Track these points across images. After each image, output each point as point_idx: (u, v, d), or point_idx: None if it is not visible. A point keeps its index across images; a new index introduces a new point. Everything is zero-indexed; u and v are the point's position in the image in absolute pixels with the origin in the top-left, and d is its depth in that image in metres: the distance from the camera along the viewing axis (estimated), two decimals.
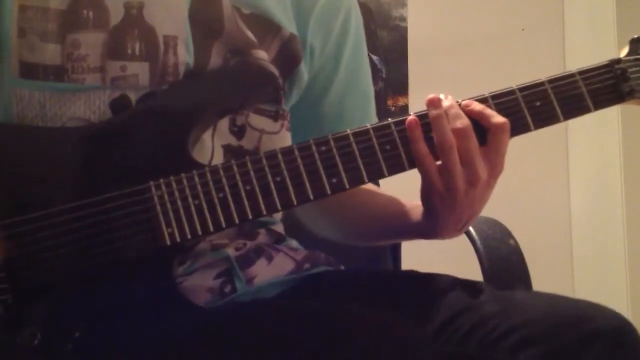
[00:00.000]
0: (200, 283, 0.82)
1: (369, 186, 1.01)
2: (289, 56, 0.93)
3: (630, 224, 2.23)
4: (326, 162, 0.77)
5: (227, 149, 0.86)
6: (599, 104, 0.83)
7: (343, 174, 0.77)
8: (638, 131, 2.20)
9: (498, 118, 0.78)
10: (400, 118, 0.79)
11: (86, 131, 0.79)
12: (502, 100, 0.81)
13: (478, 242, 1.08)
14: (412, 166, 0.79)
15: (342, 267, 0.98)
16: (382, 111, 2.14)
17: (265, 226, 0.92)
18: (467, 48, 2.37)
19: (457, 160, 0.77)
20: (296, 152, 0.77)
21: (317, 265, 0.93)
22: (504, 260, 1.05)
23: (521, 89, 0.82)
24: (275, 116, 0.91)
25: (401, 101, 2.33)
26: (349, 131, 0.78)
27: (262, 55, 0.88)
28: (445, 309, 0.78)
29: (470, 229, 1.08)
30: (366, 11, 2.29)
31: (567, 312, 0.74)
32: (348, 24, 1.01)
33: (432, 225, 0.83)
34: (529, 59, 2.32)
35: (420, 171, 0.78)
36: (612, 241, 2.26)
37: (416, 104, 2.31)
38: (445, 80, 2.27)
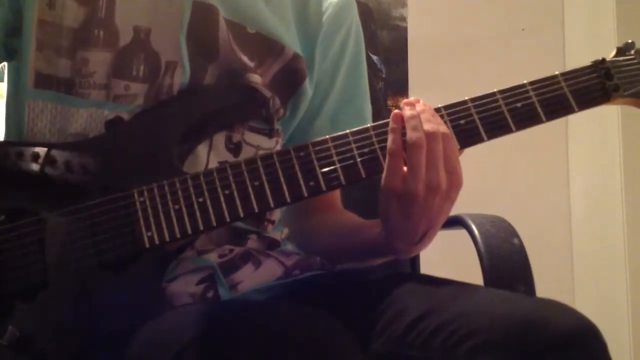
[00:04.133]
0: (183, 288, 0.83)
1: (338, 205, 1.03)
2: (291, 76, 0.94)
3: (630, 224, 2.22)
4: (304, 166, 0.78)
5: None
6: (583, 104, 0.84)
7: (320, 177, 0.78)
8: (638, 131, 2.20)
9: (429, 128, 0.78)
10: (378, 122, 0.81)
11: (81, 146, 0.81)
12: (482, 102, 0.82)
13: (479, 240, 1.07)
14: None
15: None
16: (382, 111, 2.14)
17: (258, 231, 0.92)
18: (467, 48, 2.37)
19: (424, 161, 0.77)
20: (275, 158, 0.78)
21: (309, 270, 0.93)
22: (505, 260, 1.05)
23: (502, 92, 0.83)
24: (270, 133, 0.93)
25: (401, 101, 2.32)
26: (327, 136, 0.79)
27: (256, 79, 0.90)
28: (410, 311, 0.78)
29: (472, 225, 1.08)
30: (366, 11, 2.29)
31: (527, 315, 0.72)
32: (347, 42, 1.03)
33: (387, 236, 0.83)
34: (529, 59, 2.32)
35: (388, 165, 0.78)
36: (612, 241, 2.26)
37: None
38: (445, 80, 2.27)
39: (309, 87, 0.97)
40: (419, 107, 0.80)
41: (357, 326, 0.76)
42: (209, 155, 0.87)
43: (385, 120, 0.81)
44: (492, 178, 2.26)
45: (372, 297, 0.83)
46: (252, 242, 0.91)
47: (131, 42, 0.85)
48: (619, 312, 2.20)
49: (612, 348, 0.73)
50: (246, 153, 0.90)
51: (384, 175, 0.78)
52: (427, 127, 0.78)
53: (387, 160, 0.78)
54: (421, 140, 0.77)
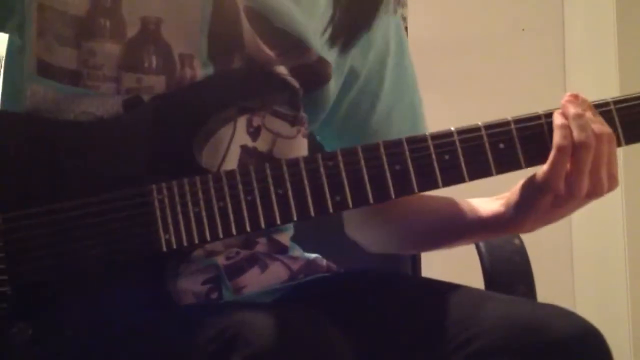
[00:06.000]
0: (187, 287, 0.82)
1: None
2: (311, 76, 0.91)
3: (630, 224, 2.22)
4: (332, 178, 0.74)
5: (244, 150, 0.86)
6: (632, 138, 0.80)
7: (348, 192, 0.74)
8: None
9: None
10: (412, 136, 0.76)
11: (94, 126, 0.79)
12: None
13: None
14: (421, 188, 0.76)
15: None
16: None
17: (267, 235, 0.91)
18: (467, 48, 2.36)
19: (590, 163, 0.75)
20: (302, 165, 0.75)
21: (314, 274, 0.92)
22: (506, 260, 1.05)
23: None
24: (293, 121, 0.89)
25: None
26: (358, 147, 0.75)
27: (282, 70, 0.87)
28: (410, 316, 0.78)
29: None
30: None
31: (527, 320, 0.72)
32: (388, 34, 1.00)
33: (516, 220, 0.82)
34: (529, 59, 2.31)
35: (554, 162, 0.75)
36: (612, 241, 2.26)
37: None
38: (445, 80, 2.26)
39: (332, 92, 0.93)
40: (580, 104, 0.77)
41: (356, 331, 0.76)
42: (231, 138, 0.85)
43: (421, 135, 0.77)
44: (493, 178, 2.25)
45: (372, 301, 0.83)
46: (261, 246, 0.90)
47: (139, 33, 0.83)
48: (619, 312, 2.20)
49: (612, 348, 0.73)
50: (264, 138, 0.87)
51: (546, 170, 0.76)
52: (594, 127, 0.75)
53: (553, 156, 0.75)
54: (590, 140, 0.74)
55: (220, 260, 0.85)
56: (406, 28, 2.41)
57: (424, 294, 0.81)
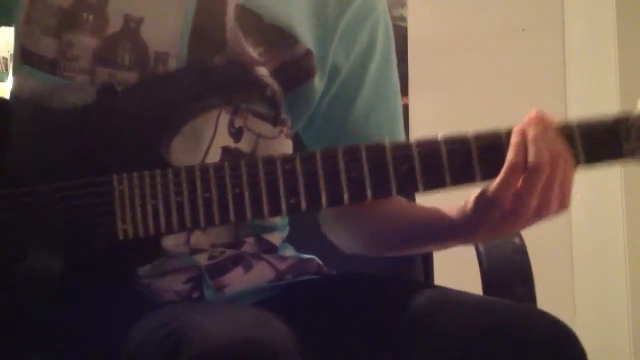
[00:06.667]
0: (168, 286, 0.82)
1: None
2: (297, 71, 0.91)
3: (630, 224, 2.22)
4: (288, 182, 0.75)
5: (226, 151, 0.86)
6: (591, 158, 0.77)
7: (302, 195, 0.75)
8: None
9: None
10: (371, 144, 0.76)
11: (68, 113, 0.80)
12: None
13: None
14: (375, 196, 0.76)
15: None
16: None
17: (256, 235, 0.91)
18: (467, 48, 2.36)
19: (542, 184, 0.73)
20: (260, 166, 0.76)
21: (302, 275, 0.92)
22: (505, 259, 1.04)
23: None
24: (275, 121, 0.90)
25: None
26: (317, 151, 0.76)
27: (263, 72, 0.87)
28: (384, 320, 0.78)
29: None
30: None
31: (503, 322, 0.73)
32: (375, 35, 0.99)
33: (468, 228, 0.81)
34: (529, 59, 2.32)
35: (504, 179, 0.74)
36: (612, 241, 2.26)
37: (416, 104, 2.31)
38: (445, 81, 2.26)
39: (317, 86, 0.93)
40: (542, 125, 0.75)
41: (333, 333, 0.76)
42: (212, 138, 0.85)
43: (380, 144, 0.76)
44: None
45: (356, 303, 0.83)
46: (248, 246, 0.89)
47: (120, 30, 0.84)
48: (619, 312, 2.20)
49: (612, 349, 0.73)
50: (247, 139, 0.88)
51: (495, 186, 0.75)
52: (553, 149, 0.74)
53: (504, 173, 0.74)
54: (544, 164, 0.73)
55: (203, 259, 0.85)
56: (406, 28, 2.41)
57: (396, 298, 0.81)
